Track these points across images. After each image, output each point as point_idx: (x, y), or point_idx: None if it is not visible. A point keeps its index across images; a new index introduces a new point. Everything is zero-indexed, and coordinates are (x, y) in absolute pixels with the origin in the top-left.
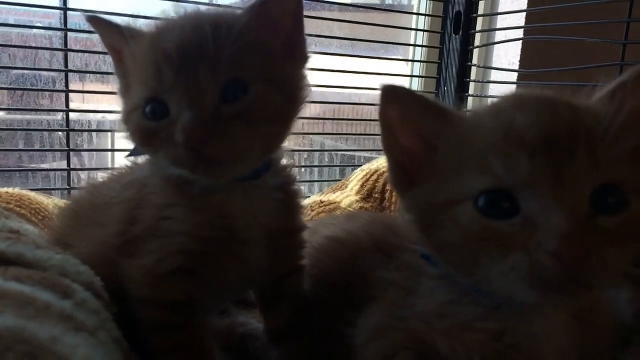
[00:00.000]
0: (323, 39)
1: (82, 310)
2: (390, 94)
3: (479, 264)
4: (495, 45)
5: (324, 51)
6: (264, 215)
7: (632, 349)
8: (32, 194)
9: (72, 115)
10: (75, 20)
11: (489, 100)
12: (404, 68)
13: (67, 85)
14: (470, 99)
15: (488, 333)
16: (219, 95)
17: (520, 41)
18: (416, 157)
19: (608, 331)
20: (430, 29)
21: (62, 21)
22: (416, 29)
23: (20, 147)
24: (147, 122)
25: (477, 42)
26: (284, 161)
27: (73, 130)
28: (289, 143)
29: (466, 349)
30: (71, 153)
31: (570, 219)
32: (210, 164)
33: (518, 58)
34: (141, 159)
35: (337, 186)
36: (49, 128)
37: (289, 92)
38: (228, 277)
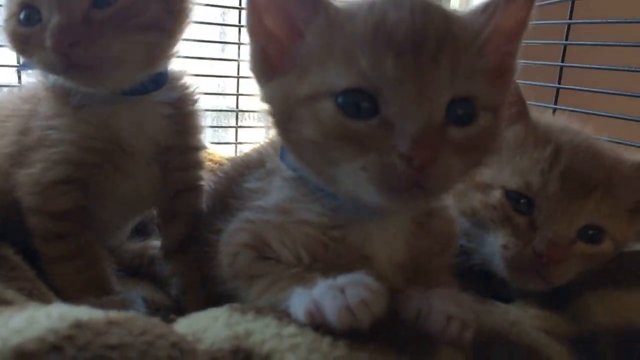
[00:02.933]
0: None
1: None
2: None
3: (333, 162)
4: None
5: None
6: (152, 130)
7: None
8: None
9: None
10: None
11: None
12: None
13: None
14: None
15: (316, 227)
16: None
17: None
18: (281, 43)
19: (444, 237)
20: None
21: None
22: None
23: None
24: (21, 28)
25: None
26: (183, 81)
27: None
28: None
29: (293, 242)
30: None
31: (425, 125)
32: (82, 69)
33: None
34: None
35: None
36: None
37: (171, 3)
38: (119, 191)
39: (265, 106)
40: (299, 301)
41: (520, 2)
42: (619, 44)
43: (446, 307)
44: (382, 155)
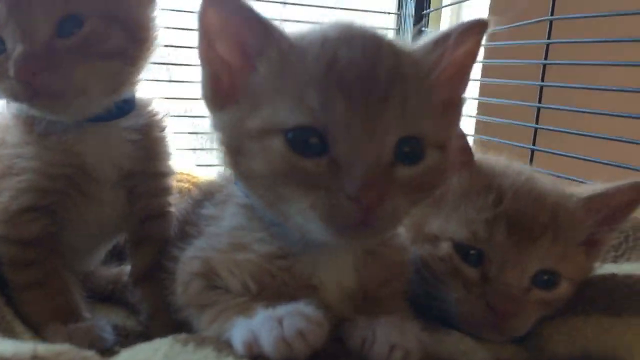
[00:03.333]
0: None
1: None
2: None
3: (282, 198)
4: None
5: None
6: (117, 156)
7: None
8: None
9: None
10: None
11: None
12: None
13: None
14: None
15: (263, 256)
16: (53, 29)
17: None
18: (234, 71)
19: (395, 265)
20: None
21: None
22: None
23: None
24: None
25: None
26: (152, 107)
27: None
28: None
29: (240, 271)
30: None
31: (373, 167)
32: (46, 97)
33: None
34: None
35: None
36: None
37: (134, 30)
38: (86, 217)
39: (216, 135)
40: (238, 332)
41: (472, 36)
42: (598, 62)
43: (390, 336)
44: (330, 195)
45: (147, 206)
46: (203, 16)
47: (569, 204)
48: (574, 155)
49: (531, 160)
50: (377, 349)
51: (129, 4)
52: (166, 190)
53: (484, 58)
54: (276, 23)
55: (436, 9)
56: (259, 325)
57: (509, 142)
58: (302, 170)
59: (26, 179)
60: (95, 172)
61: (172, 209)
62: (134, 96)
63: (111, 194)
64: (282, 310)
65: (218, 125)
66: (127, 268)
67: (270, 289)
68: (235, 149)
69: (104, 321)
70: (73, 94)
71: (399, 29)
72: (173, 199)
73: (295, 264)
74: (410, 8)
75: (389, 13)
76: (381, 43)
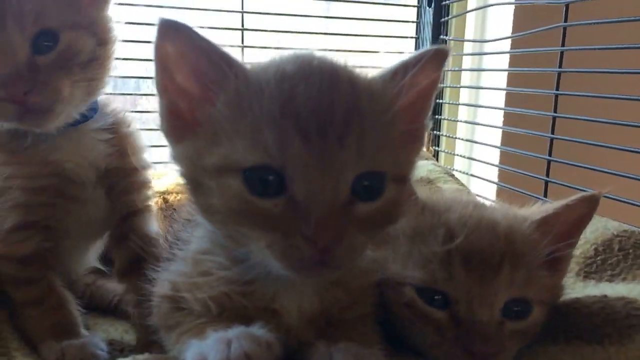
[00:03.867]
0: None
1: None
2: (170, 29)
3: (241, 234)
4: (489, 15)
5: None
6: (93, 157)
7: None
8: None
9: None
10: None
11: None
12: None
13: None
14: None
15: (223, 280)
16: (30, 47)
17: (513, 6)
18: (193, 102)
19: (359, 289)
20: (406, 3)
21: None
22: (391, 4)
23: None
24: None
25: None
26: (113, 106)
27: None
28: None
29: (201, 293)
30: None
31: (329, 207)
32: (37, 113)
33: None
34: None
35: None
36: None
37: (100, 35)
38: (74, 222)
39: (176, 167)
40: (190, 353)
41: (432, 66)
42: (613, 70)
43: (345, 358)
44: (287, 236)
45: (128, 202)
46: (160, 49)
47: (523, 228)
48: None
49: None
50: None
51: (90, 10)
52: (144, 184)
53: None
54: (234, 55)
55: (454, 16)
56: (208, 347)
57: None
58: (260, 210)
59: (11, 197)
60: (75, 176)
61: (152, 203)
62: (96, 98)
63: (94, 194)
64: (232, 332)
65: (177, 158)
66: None
67: (231, 310)
68: (194, 182)
69: (98, 338)
70: (61, 106)
71: (417, 37)
72: (152, 192)
73: (255, 289)
74: (429, 16)
75: (407, 22)
76: (339, 79)
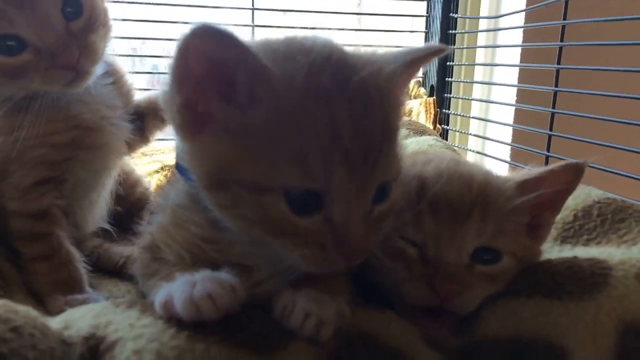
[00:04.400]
0: None
1: None
2: (207, 32)
3: (268, 242)
4: None
5: None
6: (104, 100)
7: None
8: None
9: None
10: None
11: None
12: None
13: None
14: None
15: (198, 236)
16: (62, 15)
17: None
18: (214, 103)
19: None
20: None
21: None
22: None
23: None
24: (10, 60)
25: None
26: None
27: None
28: None
29: (175, 243)
30: None
31: (363, 222)
32: (84, 75)
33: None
34: None
35: None
36: None
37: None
38: (89, 171)
39: (191, 163)
40: (159, 295)
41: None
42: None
43: (306, 305)
44: (322, 249)
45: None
46: (187, 46)
47: (501, 185)
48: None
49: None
50: (293, 317)
51: None
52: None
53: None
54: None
55: (463, 17)
56: (174, 288)
57: None
58: (298, 227)
59: (35, 155)
60: (94, 124)
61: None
62: None
63: (111, 136)
64: (198, 275)
65: (192, 154)
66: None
67: (204, 262)
68: (215, 183)
69: (101, 295)
70: (97, 65)
71: (427, 32)
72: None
73: (229, 247)
74: (438, 10)
75: (417, 16)
76: (369, 94)
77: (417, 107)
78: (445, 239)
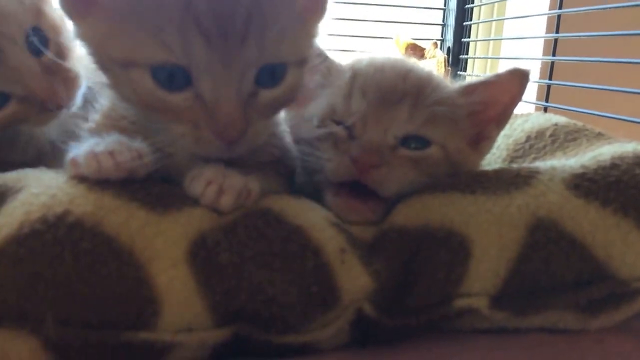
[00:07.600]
0: None
1: None
2: None
3: (155, 122)
4: None
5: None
6: None
7: None
8: None
9: None
10: None
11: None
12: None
13: None
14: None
15: (124, 117)
16: (31, 55)
17: None
18: None
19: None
20: None
21: None
22: None
23: None
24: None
25: None
26: None
27: None
28: None
29: (111, 122)
30: None
31: (234, 105)
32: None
33: None
34: None
35: None
36: None
37: None
38: None
39: (83, 45)
40: (70, 154)
41: None
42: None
43: (211, 175)
44: (197, 128)
45: None
46: None
47: (443, 84)
48: None
49: None
50: (195, 183)
51: None
52: None
53: None
54: None
55: (478, 5)
56: (84, 146)
57: None
58: (170, 104)
59: None
60: None
61: None
62: None
63: None
64: (108, 137)
65: (81, 37)
66: None
67: None
68: (102, 66)
69: None
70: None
71: (444, 24)
72: None
73: (147, 131)
74: (453, 2)
75: (433, 8)
76: None
77: (433, 68)
78: (373, 119)
